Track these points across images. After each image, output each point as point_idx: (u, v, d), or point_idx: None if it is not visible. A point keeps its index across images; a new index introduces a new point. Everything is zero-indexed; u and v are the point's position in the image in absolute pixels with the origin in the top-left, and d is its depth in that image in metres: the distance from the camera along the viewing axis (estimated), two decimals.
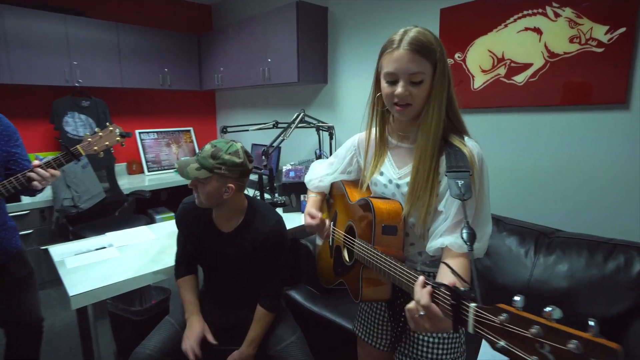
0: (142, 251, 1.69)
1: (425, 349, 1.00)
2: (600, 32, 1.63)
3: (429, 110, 0.90)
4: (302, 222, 2.05)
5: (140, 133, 3.69)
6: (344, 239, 1.11)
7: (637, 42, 1.57)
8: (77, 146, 1.35)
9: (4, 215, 1.44)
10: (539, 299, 1.57)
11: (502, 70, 1.92)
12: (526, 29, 1.82)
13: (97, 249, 1.69)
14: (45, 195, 2.66)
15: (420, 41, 0.86)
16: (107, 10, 3.40)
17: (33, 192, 1.37)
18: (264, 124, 2.61)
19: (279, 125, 2.61)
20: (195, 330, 1.34)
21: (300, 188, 2.29)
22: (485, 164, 0.91)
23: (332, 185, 1.25)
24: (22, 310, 1.51)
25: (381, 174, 1.03)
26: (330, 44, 2.89)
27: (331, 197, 1.28)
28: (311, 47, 2.80)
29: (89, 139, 1.37)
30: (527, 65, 1.84)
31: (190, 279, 1.47)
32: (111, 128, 1.41)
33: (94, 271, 1.48)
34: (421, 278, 0.73)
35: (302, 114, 2.26)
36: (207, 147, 1.27)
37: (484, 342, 1.53)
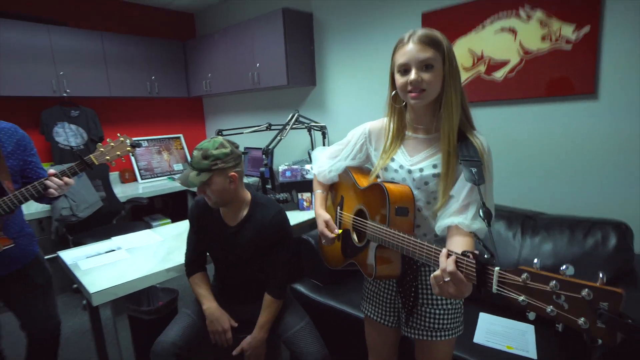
0: (151, 252, 1.74)
1: (433, 320, 1.10)
2: (568, 30, 1.80)
3: (448, 94, 0.96)
4: (302, 220, 2.17)
5: None
6: (354, 222, 1.20)
7: (601, 39, 1.75)
8: (90, 156, 1.40)
9: (22, 222, 1.47)
10: None
11: (482, 68, 2.07)
12: (502, 29, 1.97)
13: (107, 252, 1.74)
14: (43, 205, 2.66)
15: (427, 34, 0.96)
16: (89, 20, 3.41)
17: (49, 199, 1.41)
18: (257, 126, 2.69)
19: (272, 128, 2.69)
20: (223, 321, 1.44)
21: (297, 186, 2.38)
22: (491, 158, 1.00)
23: None
24: (43, 315, 1.54)
25: (392, 160, 1.11)
26: (316, 48, 3.00)
27: (334, 184, 1.36)
28: (298, 51, 2.90)
29: (101, 149, 1.43)
30: (505, 62, 1.99)
31: (201, 276, 1.55)
32: (122, 138, 1.47)
33: (108, 271, 1.53)
34: (445, 249, 0.82)
35: (296, 114, 2.35)
36: (195, 153, 1.35)
37: (481, 315, 1.67)
